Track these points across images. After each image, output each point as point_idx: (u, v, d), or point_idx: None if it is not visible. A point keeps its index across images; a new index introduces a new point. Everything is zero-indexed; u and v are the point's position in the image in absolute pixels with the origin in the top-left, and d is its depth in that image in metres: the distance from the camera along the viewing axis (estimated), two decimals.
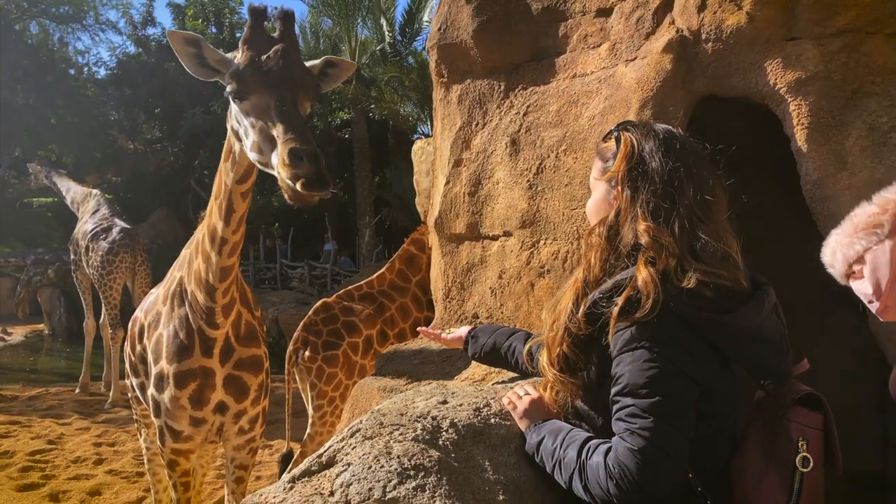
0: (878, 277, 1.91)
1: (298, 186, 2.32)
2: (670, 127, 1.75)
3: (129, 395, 4.48)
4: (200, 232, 3.24)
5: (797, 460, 1.60)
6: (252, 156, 2.66)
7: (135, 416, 4.69)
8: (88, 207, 10.78)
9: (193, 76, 2.78)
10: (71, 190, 11.48)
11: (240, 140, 2.75)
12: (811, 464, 1.60)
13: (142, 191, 22.00)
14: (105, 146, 22.18)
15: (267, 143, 2.53)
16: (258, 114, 2.58)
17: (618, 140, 1.71)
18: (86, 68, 24.75)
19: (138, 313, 3.86)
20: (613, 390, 1.55)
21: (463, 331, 2.44)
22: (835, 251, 2.00)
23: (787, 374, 1.71)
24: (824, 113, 3.43)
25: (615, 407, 1.54)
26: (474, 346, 2.34)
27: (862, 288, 1.97)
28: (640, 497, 1.46)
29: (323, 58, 2.95)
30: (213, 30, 21.97)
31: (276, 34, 2.74)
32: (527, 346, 2.06)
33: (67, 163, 21.38)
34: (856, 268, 1.97)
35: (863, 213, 1.97)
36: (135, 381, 3.94)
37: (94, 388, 10.58)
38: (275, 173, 2.50)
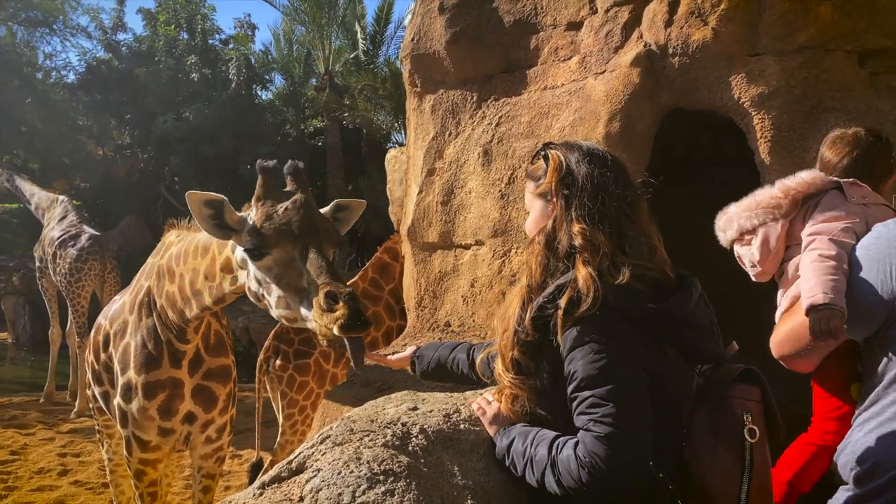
0: (769, 248, 2.31)
1: (336, 329, 2.29)
2: (590, 142, 1.90)
3: (91, 405, 4.39)
4: (185, 270, 3.15)
5: (745, 433, 1.70)
6: (277, 312, 2.61)
7: (97, 427, 4.61)
8: (55, 213, 10.58)
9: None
10: (35, 195, 11.22)
11: (260, 300, 2.71)
12: (757, 435, 1.71)
13: (111, 197, 21.57)
14: (74, 152, 21.70)
15: (295, 297, 2.50)
16: (282, 267, 2.54)
17: (545, 158, 1.84)
18: (54, 73, 24.34)
19: (102, 321, 3.80)
20: (570, 388, 1.62)
21: (409, 351, 2.49)
22: (732, 220, 2.35)
23: (721, 357, 1.84)
24: (786, 127, 3.53)
25: (574, 403, 1.61)
26: (421, 365, 2.40)
27: (747, 254, 2.37)
28: (612, 482, 1.51)
29: (333, 202, 2.94)
30: (185, 35, 21.66)
31: (287, 188, 2.74)
32: (480, 356, 2.12)
33: (34, 168, 20.96)
34: (747, 237, 2.35)
35: (766, 194, 2.32)
36: (97, 391, 3.88)
37: (60, 397, 10.36)
38: (308, 325, 2.48)
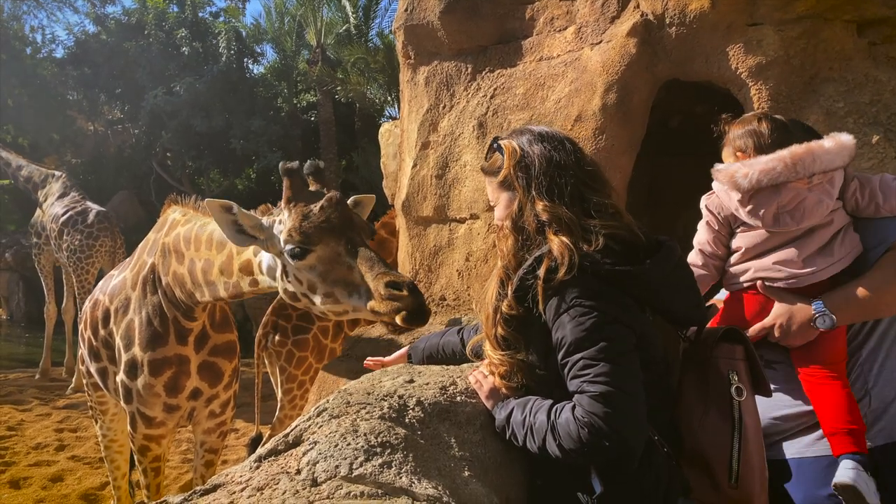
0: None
1: (398, 320, 2.33)
2: (538, 125, 1.95)
3: (85, 381, 4.39)
4: (196, 256, 3.14)
5: (732, 391, 1.78)
6: (324, 307, 2.63)
7: (90, 403, 4.60)
8: (53, 189, 10.48)
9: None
10: (24, 168, 11.03)
11: (298, 300, 2.72)
12: (744, 393, 1.78)
13: (102, 173, 21.34)
14: (64, 127, 21.50)
15: (344, 290, 2.53)
16: (328, 263, 2.57)
17: (499, 149, 1.89)
18: (43, 47, 23.96)
19: (100, 296, 3.78)
20: (560, 355, 1.64)
21: (403, 350, 2.54)
22: (815, 159, 2.06)
23: (703, 319, 1.89)
24: (783, 97, 3.50)
25: (566, 369, 1.63)
26: (416, 357, 2.43)
27: (812, 194, 2.07)
28: (613, 439, 1.51)
29: (351, 198, 2.96)
30: (175, 8, 21.32)
31: (312, 188, 2.80)
32: (469, 343, 2.14)
33: (24, 144, 20.74)
34: (816, 178, 2.07)
35: (843, 140, 2.08)
36: (93, 367, 3.86)
37: (56, 373, 10.39)
38: (360, 315, 2.53)
